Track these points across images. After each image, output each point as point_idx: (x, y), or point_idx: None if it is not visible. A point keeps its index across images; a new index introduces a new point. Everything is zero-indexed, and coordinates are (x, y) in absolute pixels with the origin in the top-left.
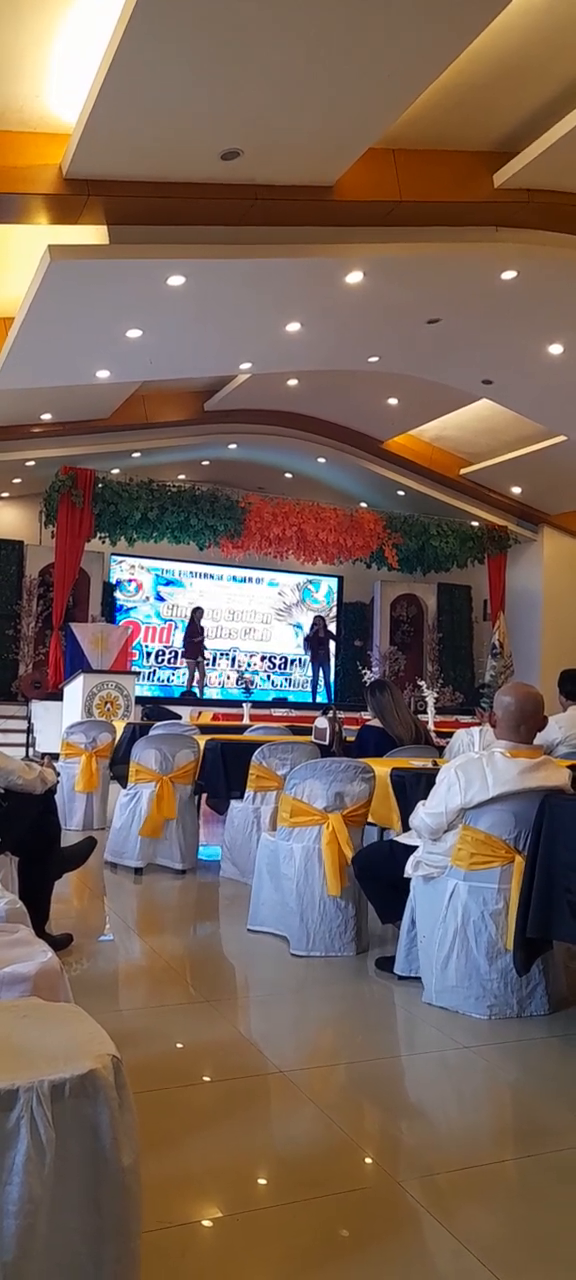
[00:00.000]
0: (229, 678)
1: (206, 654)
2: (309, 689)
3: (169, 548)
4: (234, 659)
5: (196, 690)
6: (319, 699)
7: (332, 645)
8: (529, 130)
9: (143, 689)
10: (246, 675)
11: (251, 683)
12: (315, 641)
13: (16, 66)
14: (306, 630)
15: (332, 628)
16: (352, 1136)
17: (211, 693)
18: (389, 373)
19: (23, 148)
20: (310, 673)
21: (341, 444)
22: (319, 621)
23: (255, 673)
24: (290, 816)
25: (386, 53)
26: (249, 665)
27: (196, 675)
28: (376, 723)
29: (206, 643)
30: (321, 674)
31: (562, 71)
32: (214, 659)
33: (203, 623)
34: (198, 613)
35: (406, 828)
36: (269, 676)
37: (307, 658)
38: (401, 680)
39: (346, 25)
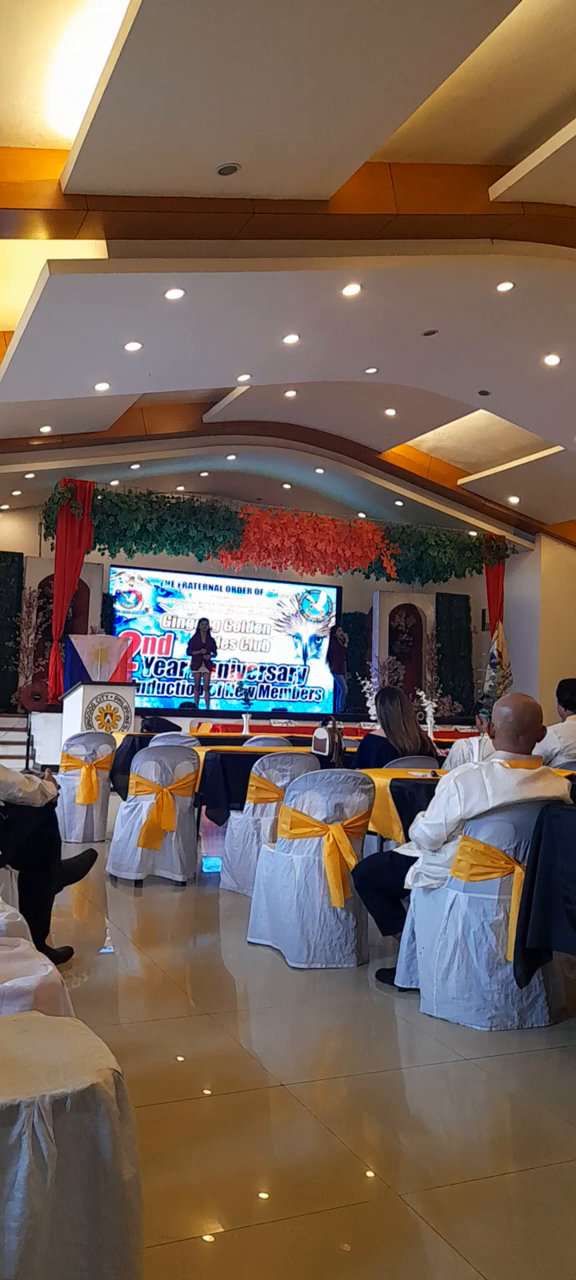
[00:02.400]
0: (231, 691)
1: (214, 665)
2: (310, 699)
3: (168, 559)
4: (233, 669)
5: (204, 702)
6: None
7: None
8: (524, 144)
9: (142, 700)
10: (245, 686)
11: (251, 693)
12: (336, 652)
13: (15, 82)
14: (305, 637)
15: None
16: (353, 1149)
17: (211, 704)
18: (386, 384)
19: (22, 163)
20: (330, 684)
21: (339, 455)
22: (339, 633)
23: (254, 684)
24: (290, 828)
25: (383, 68)
26: (249, 676)
27: (201, 686)
28: (380, 732)
29: (219, 653)
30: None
31: (557, 86)
32: (219, 670)
33: (210, 633)
34: (203, 624)
35: (408, 838)
36: (268, 688)
37: (328, 668)
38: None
39: (343, 41)
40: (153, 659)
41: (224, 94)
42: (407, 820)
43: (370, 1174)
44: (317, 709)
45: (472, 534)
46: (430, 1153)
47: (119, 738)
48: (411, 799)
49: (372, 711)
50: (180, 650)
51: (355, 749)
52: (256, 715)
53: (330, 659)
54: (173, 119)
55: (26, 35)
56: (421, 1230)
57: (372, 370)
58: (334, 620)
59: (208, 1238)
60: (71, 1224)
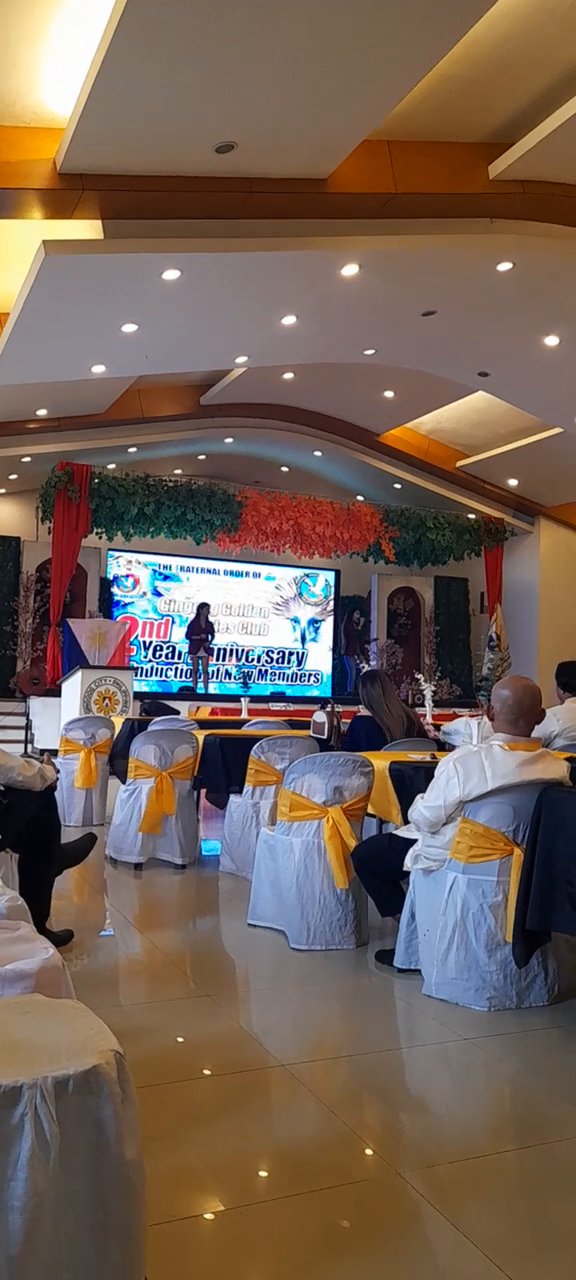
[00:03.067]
0: (229, 674)
1: (212, 648)
2: (308, 683)
3: (166, 543)
4: (232, 653)
5: (203, 686)
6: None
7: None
8: (524, 122)
9: (140, 684)
10: (244, 670)
11: (249, 676)
12: (351, 636)
13: (10, 60)
14: (303, 620)
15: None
16: (354, 1129)
17: (210, 687)
18: (385, 365)
19: (16, 142)
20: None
21: (337, 437)
22: (355, 616)
23: (252, 666)
24: (289, 811)
25: (381, 45)
26: (247, 659)
27: (200, 671)
28: (368, 713)
29: (217, 637)
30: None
31: (557, 63)
32: (216, 654)
33: (209, 618)
34: (204, 608)
35: (407, 821)
36: (266, 671)
37: (341, 651)
38: (399, 674)
39: (341, 17)
40: (151, 643)
41: (221, 71)
42: (406, 803)
43: (370, 1153)
44: (316, 692)
45: (471, 516)
46: (430, 1132)
47: (117, 722)
48: (410, 782)
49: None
50: (178, 634)
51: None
52: (255, 699)
53: (346, 640)
54: (169, 97)
55: (22, 13)
56: (422, 1209)
57: (371, 352)
58: (331, 604)
59: (209, 1216)
60: (75, 1204)
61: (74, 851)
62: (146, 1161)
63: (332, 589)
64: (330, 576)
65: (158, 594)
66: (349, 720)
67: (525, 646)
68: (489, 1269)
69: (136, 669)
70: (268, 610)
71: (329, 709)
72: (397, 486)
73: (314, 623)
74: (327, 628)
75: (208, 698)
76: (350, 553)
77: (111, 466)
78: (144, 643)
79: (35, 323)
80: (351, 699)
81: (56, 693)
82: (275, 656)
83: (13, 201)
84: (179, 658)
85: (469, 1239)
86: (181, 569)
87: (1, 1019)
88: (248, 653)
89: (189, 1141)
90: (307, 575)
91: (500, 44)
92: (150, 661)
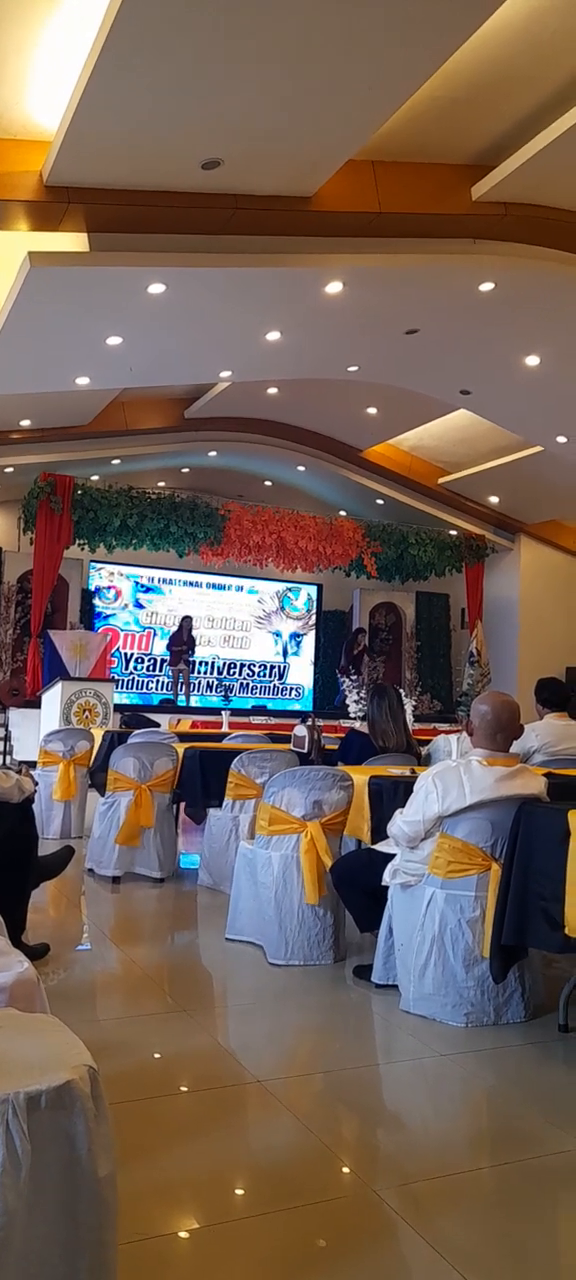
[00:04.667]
0: (210, 687)
1: (192, 661)
2: (290, 697)
3: (148, 555)
4: (213, 666)
5: (184, 699)
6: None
7: (366, 658)
8: (507, 144)
9: (121, 697)
10: (225, 683)
11: (230, 690)
12: (354, 656)
13: None
14: (285, 634)
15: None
16: (330, 1145)
17: (191, 700)
18: (368, 382)
19: (3, 154)
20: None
21: (321, 452)
22: (360, 636)
23: (234, 680)
24: (268, 825)
25: (367, 65)
26: (228, 672)
27: (181, 683)
28: (364, 728)
29: (199, 650)
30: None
31: (541, 86)
32: (196, 667)
33: (192, 631)
34: (187, 621)
35: (376, 839)
36: (248, 685)
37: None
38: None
39: (328, 37)
40: (132, 655)
41: (207, 88)
42: (378, 820)
43: (346, 1170)
44: (297, 706)
45: (453, 533)
46: (406, 1148)
47: (97, 734)
48: (388, 798)
49: (353, 709)
50: (160, 646)
51: (335, 746)
52: (236, 712)
53: (346, 659)
54: (156, 112)
55: (9, 26)
56: (397, 1226)
57: (354, 368)
58: (313, 618)
59: (184, 1234)
60: (46, 1221)
61: (51, 864)
62: (121, 1178)
63: (315, 603)
64: (312, 591)
65: (140, 606)
66: (329, 735)
67: (505, 662)
68: None
69: (117, 681)
70: (250, 624)
71: (309, 723)
72: (380, 502)
73: (296, 637)
74: (309, 642)
75: (189, 710)
76: (332, 567)
77: (94, 478)
78: (125, 655)
79: (19, 334)
80: (337, 713)
81: (36, 704)
82: (257, 670)
83: None
84: (160, 670)
85: (444, 1256)
86: (164, 581)
87: None
88: (229, 665)
89: (164, 1158)
90: (290, 589)
91: (484, 67)
92: (131, 674)
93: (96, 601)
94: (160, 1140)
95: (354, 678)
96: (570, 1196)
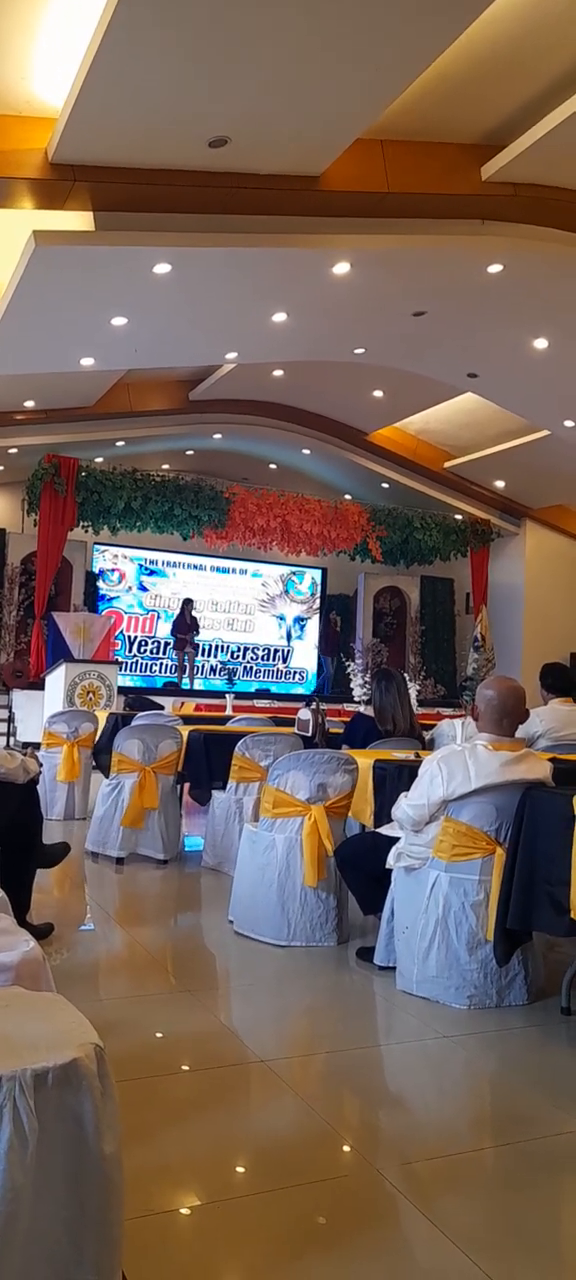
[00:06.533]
0: (214, 670)
1: (197, 645)
2: (293, 680)
3: (152, 538)
4: (217, 649)
5: (188, 682)
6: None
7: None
8: (516, 124)
9: (125, 679)
10: (229, 666)
11: (234, 673)
12: (331, 635)
13: (2, 49)
14: (289, 618)
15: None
16: (332, 1125)
17: (195, 683)
18: (374, 365)
19: (8, 131)
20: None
21: (326, 435)
22: (332, 616)
23: (238, 663)
24: (273, 807)
25: (376, 44)
26: (232, 655)
27: (186, 666)
28: (370, 712)
29: (203, 633)
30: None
31: (550, 67)
32: (201, 649)
33: (193, 613)
34: (188, 604)
35: (379, 823)
36: (252, 668)
37: (319, 650)
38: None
39: (337, 15)
40: (136, 638)
41: (214, 65)
42: (382, 804)
43: (348, 1149)
44: (301, 689)
45: (458, 517)
46: (408, 1128)
47: (101, 716)
48: (392, 782)
49: (357, 693)
50: (164, 629)
51: (339, 729)
52: (240, 695)
53: (324, 640)
54: (162, 90)
55: (15, 2)
56: (399, 1205)
57: (361, 351)
58: (318, 602)
59: (187, 1211)
60: (52, 1198)
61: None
62: (125, 1156)
63: (319, 587)
64: (317, 575)
65: (143, 589)
66: (333, 719)
67: (510, 647)
68: (465, 1264)
69: (121, 663)
70: (254, 607)
71: (314, 707)
72: (385, 486)
73: (300, 620)
74: (314, 625)
75: (192, 693)
76: (337, 551)
77: (99, 460)
78: (129, 637)
79: (24, 314)
80: (341, 696)
81: (40, 686)
82: (260, 653)
83: (3, 191)
84: (164, 653)
85: (445, 1234)
86: (168, 564)
87: None
88: (233, 648)
89: (168, 1136)
90: (294, 573)
91: (494, 46)
92: (135, 656)
93: (100, 584)
94: (164, 1119)
95: (342, 657)
96: (571, 1177)
